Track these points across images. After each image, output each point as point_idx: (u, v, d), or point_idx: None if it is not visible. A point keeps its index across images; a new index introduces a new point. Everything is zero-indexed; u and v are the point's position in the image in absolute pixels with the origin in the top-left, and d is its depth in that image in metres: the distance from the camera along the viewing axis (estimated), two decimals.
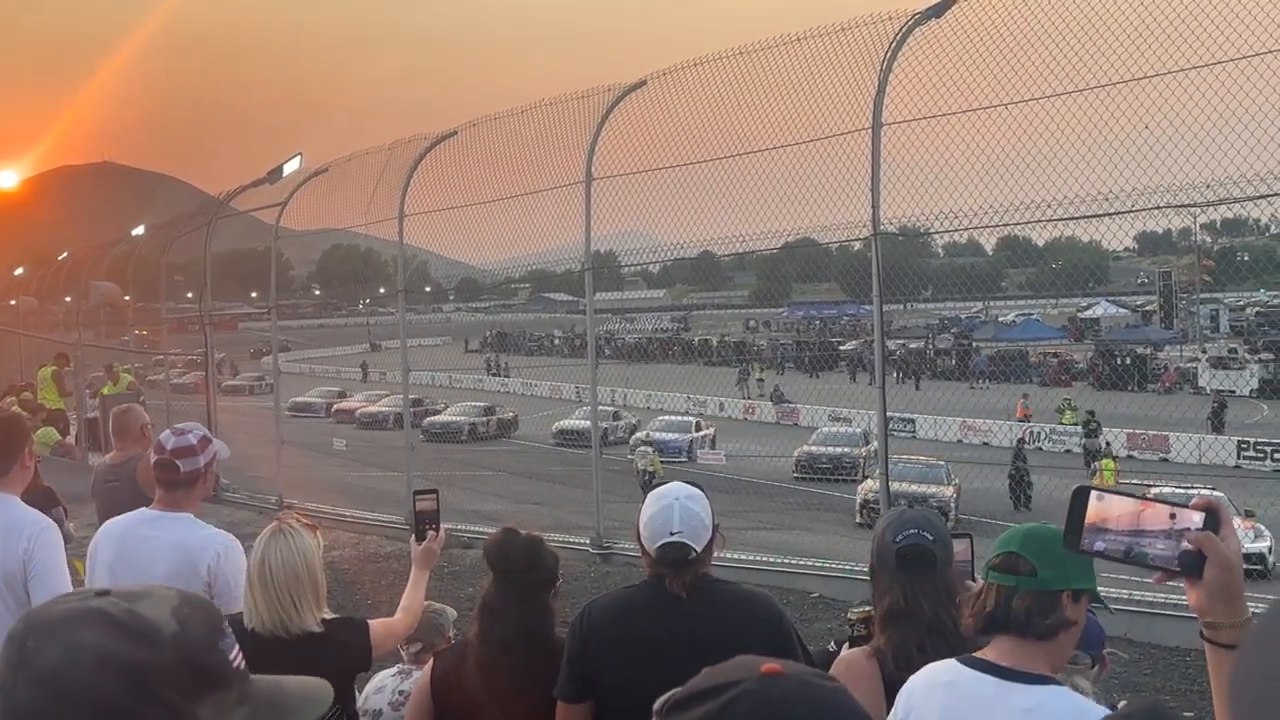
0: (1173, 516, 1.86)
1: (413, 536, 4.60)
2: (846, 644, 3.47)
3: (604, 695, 3.59)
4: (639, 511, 3.68)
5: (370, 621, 4.19)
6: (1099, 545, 1.91)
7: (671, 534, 3.53)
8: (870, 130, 11.59)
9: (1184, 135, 10.84)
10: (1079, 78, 10.88)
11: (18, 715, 1.34)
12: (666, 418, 29.41)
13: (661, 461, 23.78)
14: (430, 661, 4.14)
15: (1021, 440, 26.50)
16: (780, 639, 3.53)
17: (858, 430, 26.64)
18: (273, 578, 3.87)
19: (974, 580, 3.55)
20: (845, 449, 26.30)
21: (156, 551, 4.53)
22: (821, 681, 1.30)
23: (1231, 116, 10.48)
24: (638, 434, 27.01)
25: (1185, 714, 8.44)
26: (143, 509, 4.81)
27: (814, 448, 26.27)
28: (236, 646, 1.47)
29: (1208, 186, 10.51)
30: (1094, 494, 1.94)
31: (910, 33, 11.49)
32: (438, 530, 4.54)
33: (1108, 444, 23.71)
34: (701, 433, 29.05)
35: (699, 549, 3.55)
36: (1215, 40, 10.12)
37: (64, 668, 1.33)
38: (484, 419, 33.72)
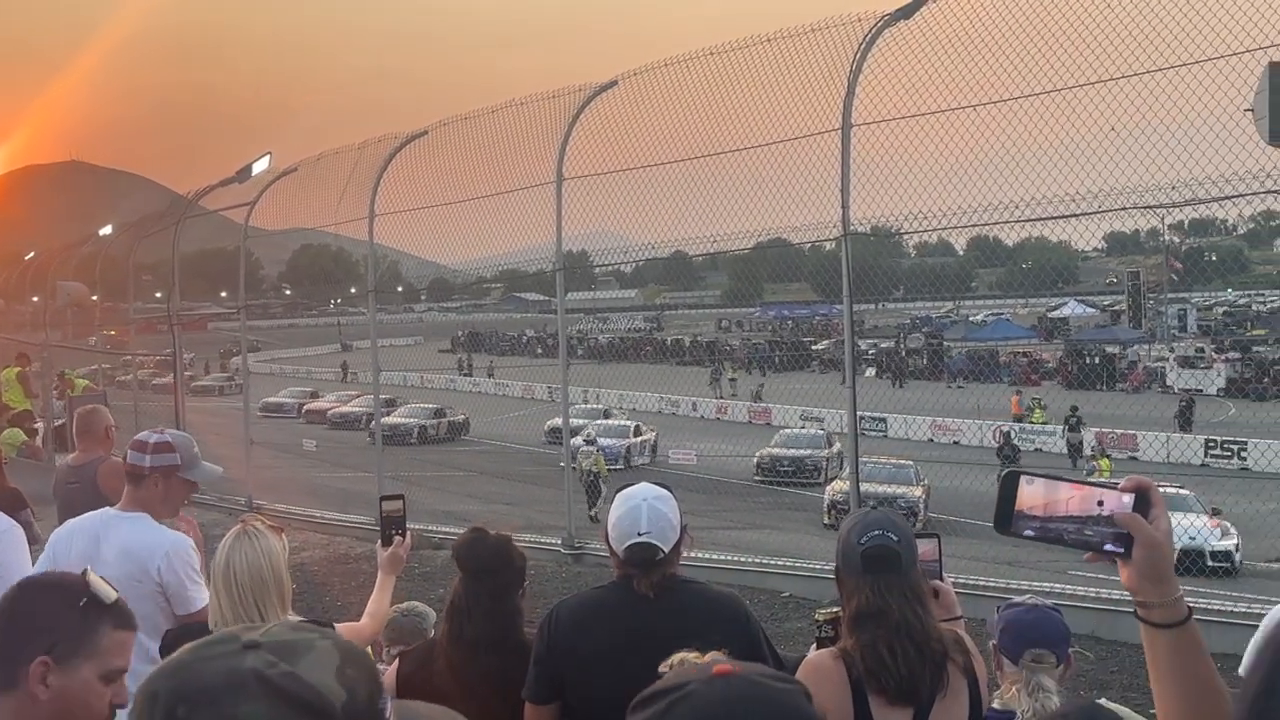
0: (1100, 502, 1.88)
1: (379, 541, 4.56)
2: (814, 645, 3.47)
3: (571, 696, 3.58)
4: (606, 512, 3.68)
5: (336, 625, 4.16)
6: (1029, 530, 1.92)
7: (639, 535, 3.53)
8: (840, 131, 11.63)
9: (1151, 137, 10.94)
10: (1047, 79, 10.96)
11: None
12: (604, 422, 28.99)
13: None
14: (395, 662, 4.12)
15: (1008, 434, 26.67)
16: (748, 639, 3.53)
17: (821, 432, 26.32)
18: (237, 580, 3.84)
19: (941, 580, 3.56)
20: (808, 451, 25.68)
21: (108, 554, 4.48)
22: (772, 682, 1.30)
23: (1197, 118, 10.58)
24: (580, 435, 26.23)
25: (1151, 711, 8.51)
26: (103, 509, 4.76)
27: (776, 450, 25.69)
28: (389, 699, 1.34)
29: (1173, 188, 10.60)
30: (1024, 478, 1.94)
31: (880, 34, 11.54)
32: (404, 535, 4.51)
33: (1100, 444, 23.75)
34: (640, 438, 28.75)
35: (667, 549, 3.55)
36: (1181, 43, 10.21)
37: None
38: (434, 421, 33.14)
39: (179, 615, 4.46)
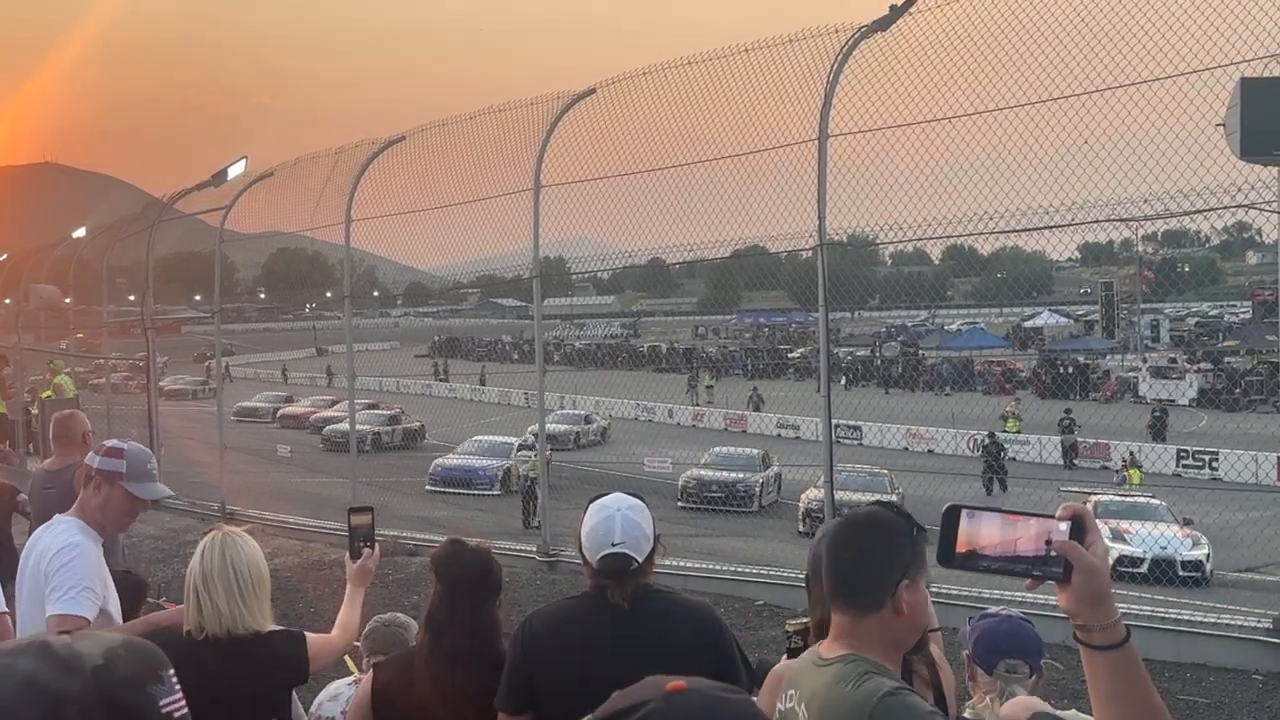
0: (1041, 529, 1.95)
1: (347, 554, 4.55)
2: (785, 655, 3.49)
3: (544, 706, 3.58)
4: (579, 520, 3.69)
5: (308, 635, 4.17)
6: (973, 562, 1.98)
7: (613, 545, 3.54)
8: (817, 141, 11.69)
9: (1124, 150, 11.04)
10: (1021, 93, 11.05)
11: None
12: (560, 412, 28.74)
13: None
14: (370, 671, 4.11)
15: (993, 436, 26.80)
16: (721, 649, 3.54)
17: (755, 452, 24.35)
18: (208, 581, 3.85)
19: None
20: (740, 475, 22.76)
21: (28, 558, 4.41)
22: (728, 695, 1.34)
23: (1170, 133, 10.68)
24: (523, 439, 25.38)
25: None
26: (55, 516, 4.58)
27: (704, 472, 22.84)
28: (177, 697, 1.49)
29: (1145, 201, 10.70)
30: (964, 512, 2.01)
31: (856, 46, 11.60)
32: (373, 547, 4.50)
33: (1131, 453, 23.35)
34: (590, 425, 28.90)
35: (640, 560, 3.56)
36: (1154, 58, 10.31)
37: None
38: (388, 428, 32.80)
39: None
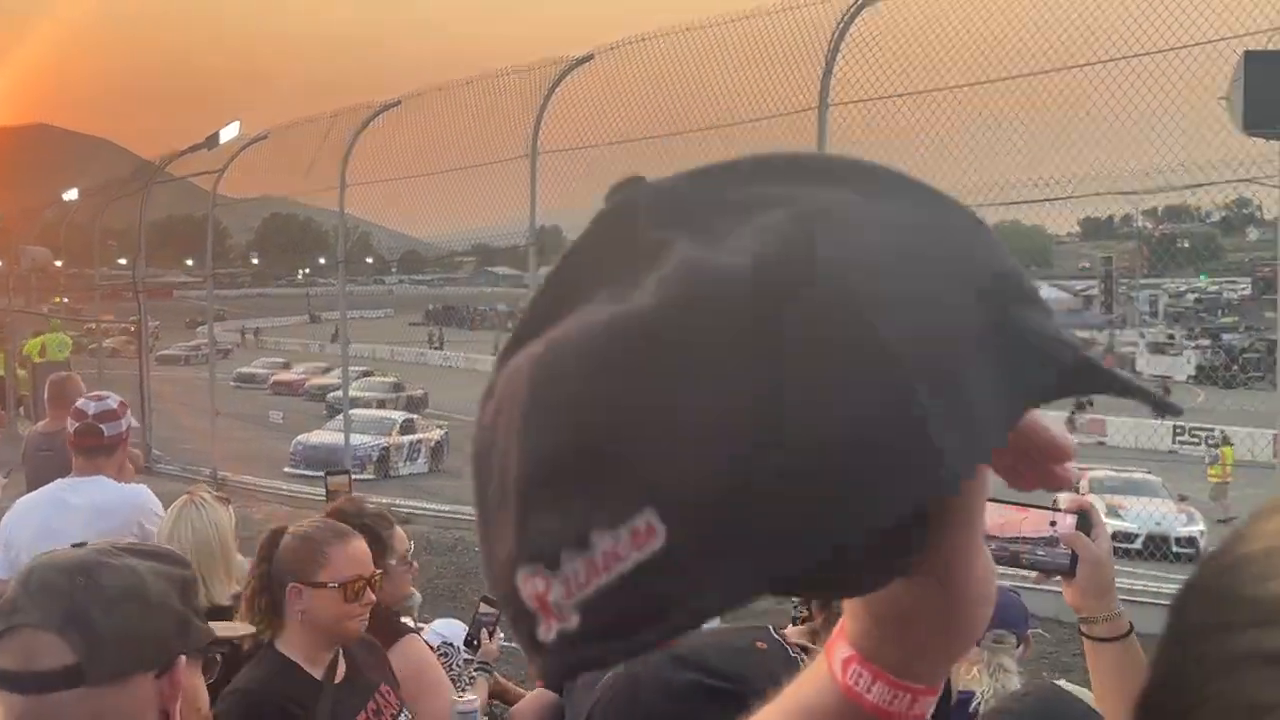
0: (1052, 523, 1.96)
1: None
2: (791, 624, 3.42)
3: None
4: None
5: None
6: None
7: None
8: (818, 110, 11.57)
9: (1126, 123, 10.95)
10: (1024, 63, 10.94)
11: (100, 642, 1.50)
12: None
13: None
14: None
15: None
16: None
17: None
18: (179, 549, 3.78)
19: None
20: None
21: (76, 520, 4.38)
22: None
23: (1172, 106, 10.57)
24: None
25: None
26: (58, 480, 4.69)
27: None
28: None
29: (1146, 175, 10.61)
30: None
31: (859, 13, 11.46)
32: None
33: (1221, 431, 22.78)
34: None
35: None
36: (1158, 29, 10.20)
37: (139, 585, 1.54)
38: (392, 395, 32.39)
39: None
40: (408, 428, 23.72)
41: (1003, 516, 1.98)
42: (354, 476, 21.26)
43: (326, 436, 21.81)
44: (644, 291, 0.52)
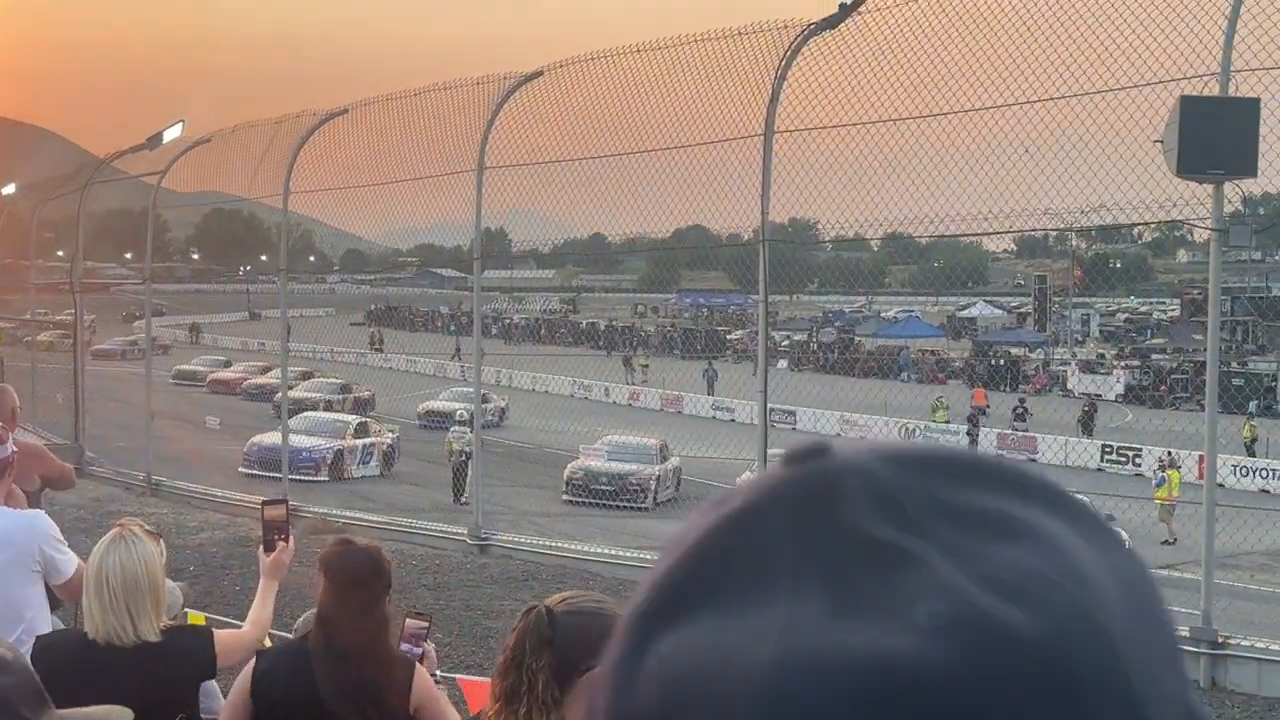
0: None
1: (260, 547, 4.49)
2: None
3: None
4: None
5: (217, 631, 4.14)
6: None
7: None
8: (764, 137, 11.71)
9: (1060, 157, 11.22)
10: (965, 98, 11.16)
11: None
12: (460, 389, 27.33)
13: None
14: (252, 660, 4.09)
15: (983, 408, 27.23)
16: None
17: (653, 442, 22.50)
18: (109, 585, 3.80)
19: None
20: (634, 466, 20.99)
21: None
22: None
23: (1108, 143, 10.85)
24: (458, 414, 22.78)
25: None
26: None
27: (593, 463, 21.02)
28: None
29: (1083, 213, 10.86)
30: None
31: (805, 43, 11.62)
32: (288, 540, 4.45)
33: (1170, 454, 22.85)
34: (489, 404, 27.67)
35: None
36: (1097, 70, 10.46)
37: None
38: (340, 397, 32.15)
39: (54, 584, 4.46)
40: (361, 430, 23.60)
41: None
42: (306, 477, 20.69)
43: (278, 438, 20.80)
44: (914, 630, 0.47)
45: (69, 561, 4.44)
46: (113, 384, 26.32)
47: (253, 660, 4.01)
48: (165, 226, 31.29)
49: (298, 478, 20.09)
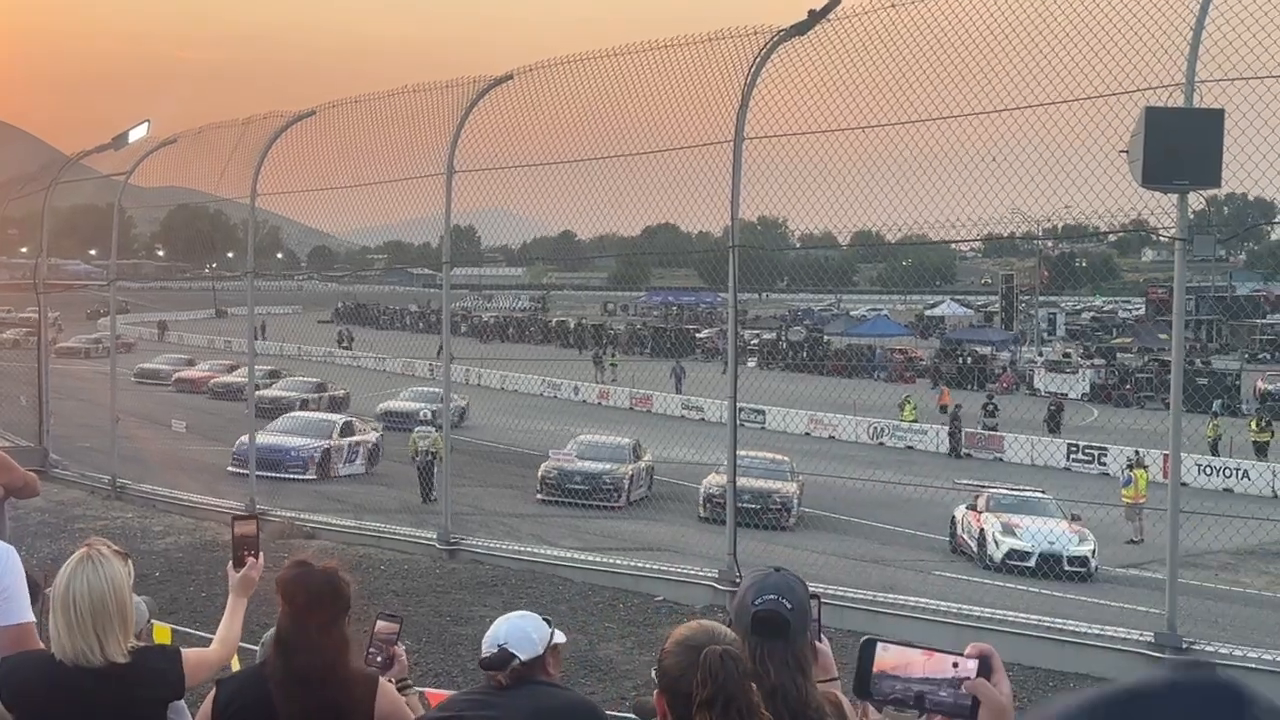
0: (955, 665, 2.01)
1: (230, 563, 4.47)
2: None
3: None
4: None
5: (184, 650, 4.12)
6: (888, 692, 2.05)
7: (498, 645, 3.75)
8: (733, 144, 11.73)
9: (1026, 164, 11.30)
10: (933, 106, 11.21)
11: None
12: (422, 389, 27.69)
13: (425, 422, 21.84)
14: (213, 690, 4.08)
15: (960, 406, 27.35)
16: None
17: (626, 441, 22.39)
18: (76, 606, 3.77)
19: (820, 641, 3.65)
20: (607, 466, 20.96)
21: None
22: None
23: (1073, 152, 10.94)
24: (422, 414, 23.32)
25: None
26: None
27: (565, 463, 20.86)
28: None
29: (1049, 221, 10.95)
30: (879, 645, 2.08)
31: (774, 50, 11.64)
32: (257, 556, 4.42)
33: (1138, 453, 23.05)
34: (452, 403, 27.49)
35: (524, 658, 3.73)
36: (1063, 79, 10.53)
37: None
38: (315, 395, 31.95)
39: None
40: (347, 430, 23.84)
41: (905, 657, 2.03)
42: (294, 476, 20.68)
43: (268, 438, 21.78)
44: None
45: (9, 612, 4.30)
46: (76, 383, 26.04)
47: (214, 690, 3.99)
48: (131, 223, 30.98)
49: (288, 476, 20.90)
